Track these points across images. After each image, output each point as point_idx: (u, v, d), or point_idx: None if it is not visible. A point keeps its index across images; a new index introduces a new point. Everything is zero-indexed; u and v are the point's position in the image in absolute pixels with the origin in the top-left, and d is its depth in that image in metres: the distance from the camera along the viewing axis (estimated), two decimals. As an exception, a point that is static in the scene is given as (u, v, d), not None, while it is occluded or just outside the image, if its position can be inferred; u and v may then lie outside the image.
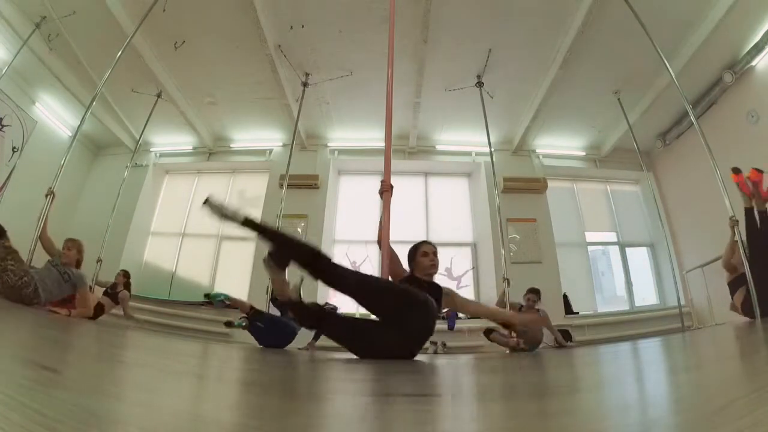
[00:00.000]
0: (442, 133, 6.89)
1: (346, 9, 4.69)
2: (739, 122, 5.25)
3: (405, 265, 2.38)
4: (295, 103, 5.88)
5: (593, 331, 5.78)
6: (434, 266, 2.29)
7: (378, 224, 2.49)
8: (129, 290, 5.00)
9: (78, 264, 3.66)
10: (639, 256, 6.97)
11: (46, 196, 3.57)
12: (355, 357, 1.86)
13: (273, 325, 3.73)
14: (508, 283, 4.44)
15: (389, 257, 2.32)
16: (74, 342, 1.40)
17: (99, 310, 4.30)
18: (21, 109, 5.75)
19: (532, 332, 4.09)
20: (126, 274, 5.06)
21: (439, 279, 6.72)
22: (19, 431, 0.28)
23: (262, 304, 4.70)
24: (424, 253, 2.30)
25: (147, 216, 7.00)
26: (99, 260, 5.10)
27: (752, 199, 3.41)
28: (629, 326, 5.83)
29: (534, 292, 4.49)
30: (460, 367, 1.61)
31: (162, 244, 6.97)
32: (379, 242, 2.42)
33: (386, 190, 2.51)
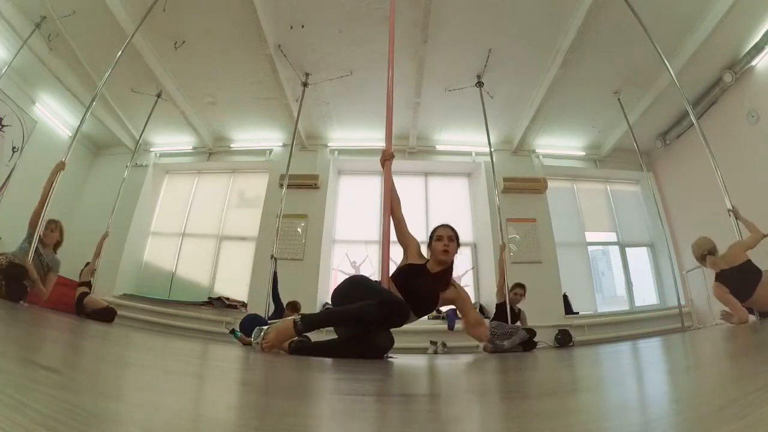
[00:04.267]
0: (442, 133, 6.89)
1: (346, 9, 4.69)
2: (739, 122, 5.25)
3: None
4: (295, 103, 5.88)
5: (593, 331, 5.78)
6: (446, 252, 2.13)
7: (384, 196, 2.45)
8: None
9: (57, 245, 3.75)
10: (639, 256, 6.97)
11: (57, 168, 3.60)
12: (354, 357, 1.86)
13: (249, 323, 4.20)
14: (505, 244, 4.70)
15: (400, 227, 2.36)
16: (74, 342, 1.40)
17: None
18: (21, 109, 5.75)
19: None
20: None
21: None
22: (19, 431, 0.28)
23: (262, 302, 4.71)
24: (438, 236, 2.18)
25: (147, 216, 7.00)
26: (106, 235, 5.19)
27: None
28: (629, 326, 5.83)
29: (520, 287, 4.58)
30: (460, 367, 1.61)
31: (162, 244, 6.97)
32: (392, 214, 2.38)
33: (387, 159, 2.52)
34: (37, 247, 3.49)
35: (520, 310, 4.64)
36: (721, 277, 3.27)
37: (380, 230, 2.51)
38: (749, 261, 3.19)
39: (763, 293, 3.04)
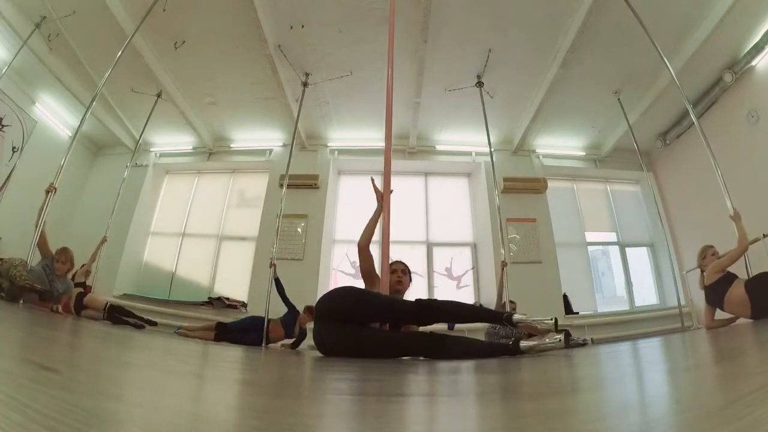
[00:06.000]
0: (442, 133, 6.89)
1: (346, 9, 4.69)
2: (739, 122, 5.25)
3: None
4: (295, 103, 5.88)
5: (593, 331, 5.77)
6: (400, 282, 2.35)
7: (367, 227, 2.39)
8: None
9: (69, 271, 3.91)
10: (639, 256, 6.97)
11: (47, 192, 3.57)
12: (353, 358, 1.86)
13: (251, 324, 4.41)
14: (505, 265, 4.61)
15: (382, 266, 2.31)
16: (74, 342, 1.40)
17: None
18: (21, 109, 5.75)
19: None
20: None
21: (440, 279, 6.78)
22: (19, 431, 0.28)
23: (262, 302, 4.70)
24: (392, 270, 2.37)
25: (147, 216, 7.00)
26: (104, 240, 5.15)
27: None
28: (629, 326, 5.83)
29: (512, 302, 4.70)
30: (459, 367, 1.61)
31: (162, 244, 6.97)
32: (361, 246, 2.34)
33: (386, 190, 2.45)
34: (52, 275, 3.67)
35: None
36: (705, 294, 3.43)
37: (380, 230, 2.49)
38: (722, 276, 3.27)
39: (729, 303, 3.18)
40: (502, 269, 4.72)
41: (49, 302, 3.59)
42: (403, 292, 2.36)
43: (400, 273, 2.36)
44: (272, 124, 6.73)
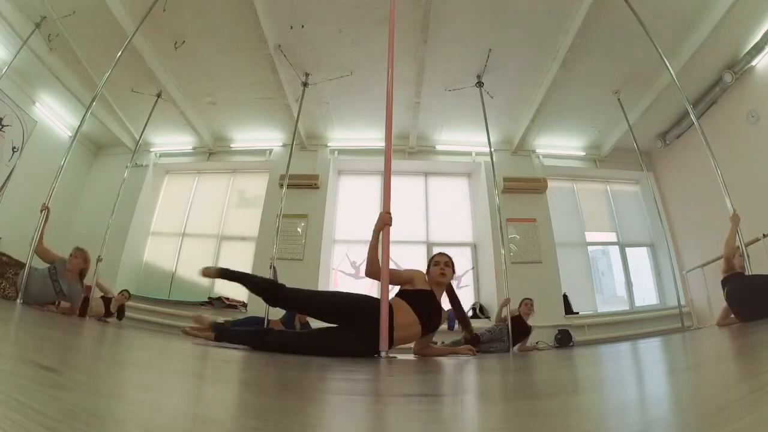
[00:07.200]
0: (442, 133, 6.89)
1: (346, 9, 4.69)
2: (739, 122, 5.25)
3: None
4: (295, 103, 5.88)
5: (593, 331, 5.78)
6: (443, 275, 2.32)
7: (369, 255, 2.37)
8: (123, 312, 5.10)
9: (82, 273, 3.68)
10: (639, 256, 6.97)
11: (41, 211, 3.51)
12: (352, 358, 1.86)
13: (251, 324, 4.37)
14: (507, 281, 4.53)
15: (387, 284, 2.30)
16: (74, 342, 1.40)
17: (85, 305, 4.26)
18: (21, 109, 5.75)
19: None
20: (127, 296, 5.19)
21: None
22: (19, 431, 0.28)
23: (262, 302, 4.69)
24: (435, 262, 2.39)
25: (147, 216, 7.00)
26: (99, 259, 5.05)
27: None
28: (629, 326, 5.83)
29: (529, 299, 4.70)
30: (460, 367, 1.61)
31: (162, 244, 6.97)
32: (370, 274, 2.36)
33: (387, 223, 2.38)
34: (55, 275, 3.47)
35: (530, 326, 4.65)
36: None
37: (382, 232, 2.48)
38: (728, 275, 3.31)
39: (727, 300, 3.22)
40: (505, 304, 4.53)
41: (48, 304, 3.54)
42: (444, 285, 2.37)
43: (443, 265, 2.35)
44: (272, 124, 6.73)
